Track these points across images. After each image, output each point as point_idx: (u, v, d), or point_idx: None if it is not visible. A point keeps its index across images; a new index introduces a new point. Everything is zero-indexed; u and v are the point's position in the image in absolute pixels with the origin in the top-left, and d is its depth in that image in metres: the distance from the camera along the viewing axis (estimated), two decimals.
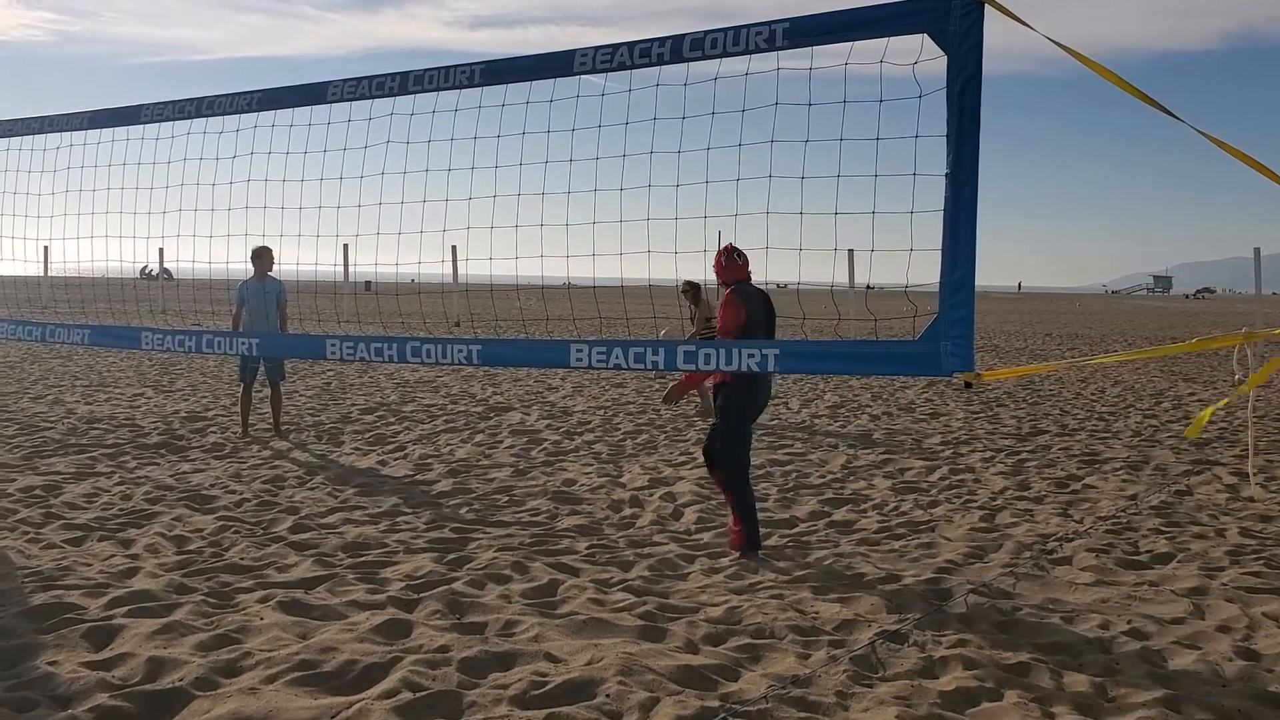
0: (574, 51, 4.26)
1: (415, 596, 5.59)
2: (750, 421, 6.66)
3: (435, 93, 4.44)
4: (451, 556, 6.38)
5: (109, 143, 5.61)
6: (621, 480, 8.81)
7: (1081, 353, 26.43)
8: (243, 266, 10.42)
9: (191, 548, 6.49)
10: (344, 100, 4.67)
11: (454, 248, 12.47)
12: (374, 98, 4.61)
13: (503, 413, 12.78)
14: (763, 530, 6.79)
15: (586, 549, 6.66)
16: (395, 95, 4.55)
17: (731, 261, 6.48)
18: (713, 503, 7.87)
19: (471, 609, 5.42)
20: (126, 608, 5.26)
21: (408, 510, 7.59)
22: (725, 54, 4.02)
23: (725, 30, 4.03)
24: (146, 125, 5.38)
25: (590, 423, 12.00)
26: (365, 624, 5.12)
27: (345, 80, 4.68)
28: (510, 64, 4.30)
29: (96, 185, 5.79)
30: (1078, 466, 9.80)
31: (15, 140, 6.03)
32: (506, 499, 8.06)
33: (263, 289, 10.55)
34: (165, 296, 30.27)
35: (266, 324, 10.43)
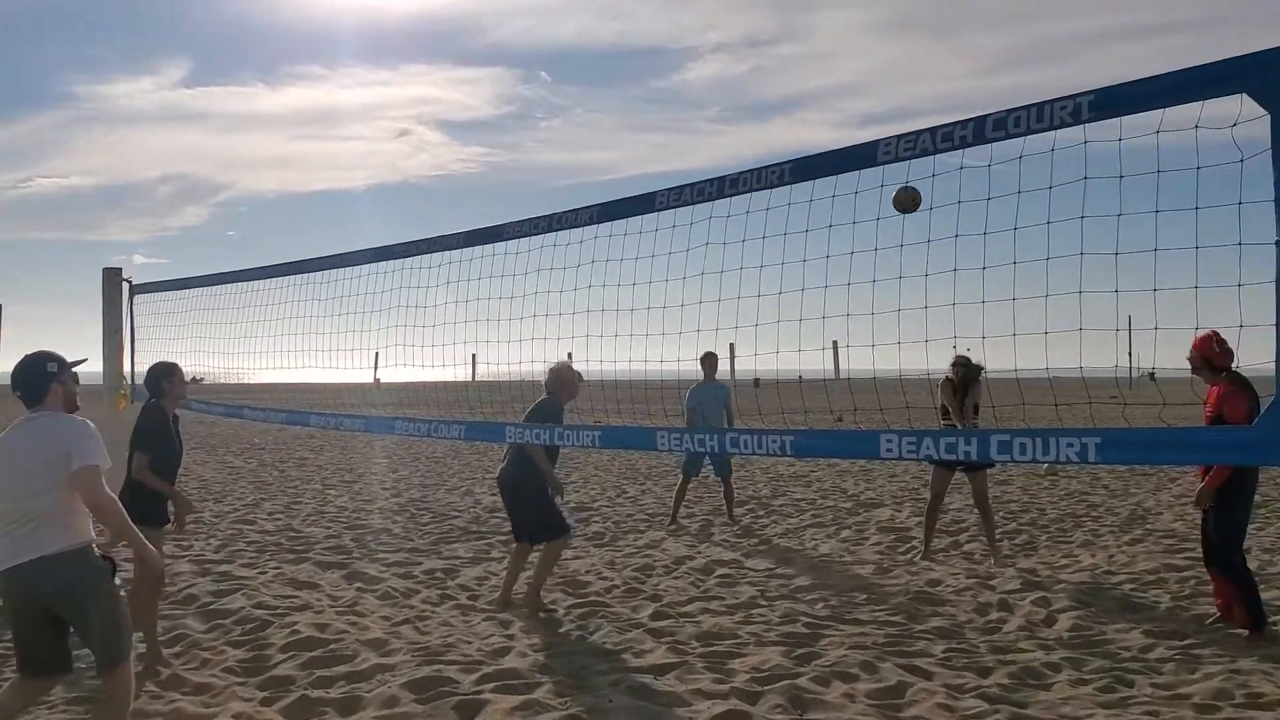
0: (878, 142, 4.26)
1: (759, 689, 5.61)
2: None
3: (749, 194, 4.62)
4: (800, 651, 6.34)
5: (479, 259, 6.34)
6: (991, 583, 8.31)
7: None
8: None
9: (560, 630, 6.94)
10: (670, 207, 4.98)
11: (835, 342, 12.86)
12: (696, 203, 4.87)
13: (872, 509, 12.52)
14: None
15: (943, 652, 6.36)
16: (714, 200, 4.78)
17: (1225, 348, 6.31)
18: (1092, 609, 7.27)
19: (814, 706, 5.36)
20: (494, 684, 5.71)
21: (764, 603, 7.64)
22: (1029, 131, 3.86)
23: (1029, 108, 3.87)
24: (509, 241, 6.00)
25: (964, 521, 11.41)
26: (706, 713, 5.22)
27: (670, 189, 4.98)
28: (818, 160, 4.37)
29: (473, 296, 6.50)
30: None
31: (413, 260, 6.92)
32: (865, 597, 7.88)
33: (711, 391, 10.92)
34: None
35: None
